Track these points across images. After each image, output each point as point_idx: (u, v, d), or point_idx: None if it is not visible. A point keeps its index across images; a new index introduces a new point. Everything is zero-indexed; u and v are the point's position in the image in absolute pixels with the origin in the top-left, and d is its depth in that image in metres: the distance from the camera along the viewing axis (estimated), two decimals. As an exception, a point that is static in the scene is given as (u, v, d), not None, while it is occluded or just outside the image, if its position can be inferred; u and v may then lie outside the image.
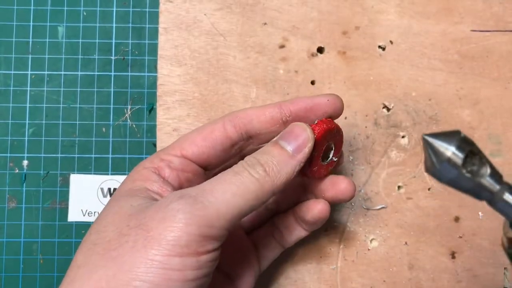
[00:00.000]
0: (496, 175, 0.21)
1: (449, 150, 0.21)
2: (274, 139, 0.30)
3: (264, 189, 0.27)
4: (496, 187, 0.21)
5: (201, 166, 0.32)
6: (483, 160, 0.21)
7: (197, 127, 0.33)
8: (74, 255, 0.27)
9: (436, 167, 0.22)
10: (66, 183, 0.41)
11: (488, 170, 0.21)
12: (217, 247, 0.26)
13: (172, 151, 0.31)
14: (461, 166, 0.21)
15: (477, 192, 0.21)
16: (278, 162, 0.28)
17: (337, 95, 0.32)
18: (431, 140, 0.21)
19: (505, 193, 0.21)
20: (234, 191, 0.26)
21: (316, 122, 0.31)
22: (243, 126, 0.31)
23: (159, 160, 0.31)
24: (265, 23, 0.40)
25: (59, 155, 0.41)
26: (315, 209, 0.32)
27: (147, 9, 0.43)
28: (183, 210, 0.25)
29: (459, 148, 0.21)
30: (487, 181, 0.21)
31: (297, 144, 0.29)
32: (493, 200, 0.21)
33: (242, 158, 0.30)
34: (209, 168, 0.32)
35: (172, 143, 0.32)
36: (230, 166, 0.29)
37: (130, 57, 0.42)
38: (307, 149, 0.29)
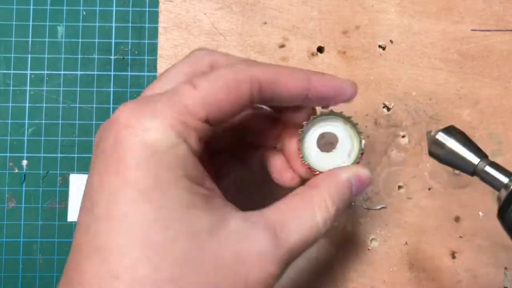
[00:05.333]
0: (478, 152, 0.26)
1: (438, 133, 0.27)
2: (348, 176, 0.28)
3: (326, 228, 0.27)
4: (477, 160, 0.26)
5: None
6: (466, 140, 0.26)
7: (213, 74, 0.25)
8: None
9: (430, 148, 0.27)
10: (65, 183, 0.41)
11: (470, 148, 0.26)
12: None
13: (196, 114, 0.24)
14: (445, 145, 0.26)
15: (463, 166, 0.26)
16: (345, 204, 0.28)
17: (355, 82, 0.29)
18: (429, 130, 0.28)
19: (486, 166, 0.26)
20: (309, 239, 0.26)
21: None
22: (269, 96, 0.26)
23: (185, 128, 0.23)
24: (265, 23, 0.40)
25: (59, 155, 0.41)
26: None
27: (147, 9, 0.42)
28: (266, 257, 0.24)
29: (444, 131, 0.27)
30: (469, 157, 0.26)
31: (357, 195, 0.29)
32: (476, 172, 0.26)
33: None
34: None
35: (184, 93, 0.24)
36: None
37: (129, 57, 0.42)
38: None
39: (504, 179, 0.25)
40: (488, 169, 0.26)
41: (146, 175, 0.22)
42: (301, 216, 0.26)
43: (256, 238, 0.24)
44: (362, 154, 0.30)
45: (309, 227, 0.26)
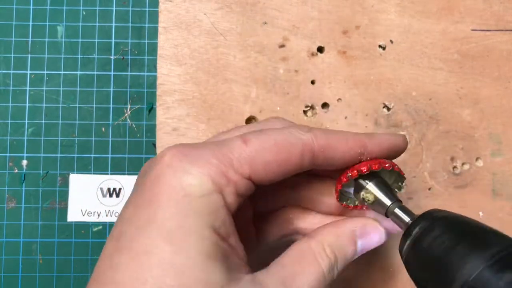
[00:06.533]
0: (391, 196, 0.28)
1: (359, 180, 0.29)
2: (353, 230, 0.29)
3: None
4: (389, 203, 0.28)
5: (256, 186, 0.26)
6: (383, 185, 0.29)
7: (263, 133, 0.26)
8: None
9: (354, 191, 0.30)
10: (65, 183, 0.41)
11: (385, 192, 0.29)
12: None
13: (240, 168, 0.24)
14: (365, 188, 0.29)
15: (378, 207, 0.29)
16: (346, 263, 0.28)
17: (405, 136, 0.30)
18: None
19: (395, 208, 0.28)
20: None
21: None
22: (321, 161, 0.27)
23: (225, 180, 0.23)
24: (265, 23, 0.40)
25: (59, 155, 0.41)
26: None
27: (147, 9, 0.42)
28: None
29: (365, 177, 0.29)
30: (383, 199, 0.28)
31: (367, 248, 0.29)
32: (387, 213, 0.28)
33: None
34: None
35: (233, 148, 0.25)
36: None
37: (129, 57, 0.42)
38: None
39: (407, 219, 0.28)
40: (397, 211, 0.28)
41: (174, 216, 0.22)
42: (306, 268, 0.26)
43: None
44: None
45: (316, 278, 0.26)
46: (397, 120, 0.40)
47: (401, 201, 0.29)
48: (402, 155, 0.39)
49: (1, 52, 0.42)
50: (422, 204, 0.39)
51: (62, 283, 0.40)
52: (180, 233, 0.22)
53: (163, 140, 0.39)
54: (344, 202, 0.30)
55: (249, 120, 0.39)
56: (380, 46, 0.40)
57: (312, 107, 0.40)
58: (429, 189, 0.39)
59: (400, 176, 0.30)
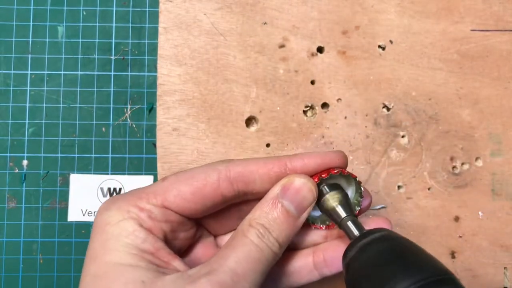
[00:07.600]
0: (347, 208, 0.30)
1: (323, 186, 0.31)
2: (275, 194, 0.28)
3: (276, 256, 0.28)
4: (344, 215, 0.30)
5: (184, 216, 0.29)
6: (342, 197, 0.30)
7: (185, 171, 0.29)
8: None
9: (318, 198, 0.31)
10: (65, 183, 0.41)
11: (342, 204, 0.30)
12: None
13: (152, 200, 0.28)
14: (325, 196, 0.30)
15: (333, 216, 0.30)
16: (285, 228, 0.28)
17: (343, 153, 0.31)
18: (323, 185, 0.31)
19: (348, 221, 0.29)
20: (258, 270, 0.27)
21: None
22: (242, 186, 0.29)
23: (137, 209, 0.28)
24: (265, 23, 0.40)
25: (59, 155, 0.41)
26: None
27: (147, 9, 0.43)
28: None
29: (328, 186, 0.30)
30: (339, 210, 0.30)
31: (302, 206, 0.29)
32: (340, 224, 0.30)
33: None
34: (193, 218, 0.30)
35: (152, 186, 0.29)
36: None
37: (130, 57, 0.42)
38: (310, 208, 0.29)
39: (356, 233, 0.29)
40: (349, 223, 0.29)
41: (98, 241, 0.27)
42: (235, 247, 0.27)
43: (192, 282, 0.25)
44: (359, 210, 0.31)
45: (245, 250, 0.27)
46: (397, 120, 0.40)
47: (355, 215, 0.30)
48: (402, 154, 0.40)
49: (2, 52, 0.42)
50: (421, 204, 0.39)
51: (62, 283, 0.40)
52: (101, 252, 0.27)
53: (163, 140, 0.39)
54: (313, 224, 0.31)
55: (249, 120, 0.39)
56: (379, 46, 0.40)
57: (312, 107, 0.40)
58: (429, 189, 0.39)
59: (357, 184, 0.31)
